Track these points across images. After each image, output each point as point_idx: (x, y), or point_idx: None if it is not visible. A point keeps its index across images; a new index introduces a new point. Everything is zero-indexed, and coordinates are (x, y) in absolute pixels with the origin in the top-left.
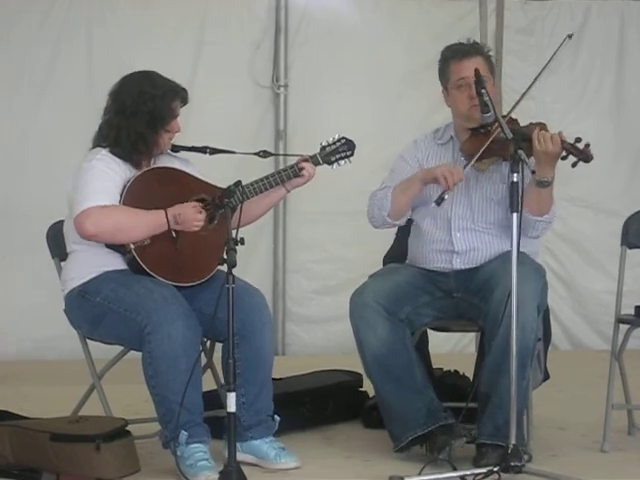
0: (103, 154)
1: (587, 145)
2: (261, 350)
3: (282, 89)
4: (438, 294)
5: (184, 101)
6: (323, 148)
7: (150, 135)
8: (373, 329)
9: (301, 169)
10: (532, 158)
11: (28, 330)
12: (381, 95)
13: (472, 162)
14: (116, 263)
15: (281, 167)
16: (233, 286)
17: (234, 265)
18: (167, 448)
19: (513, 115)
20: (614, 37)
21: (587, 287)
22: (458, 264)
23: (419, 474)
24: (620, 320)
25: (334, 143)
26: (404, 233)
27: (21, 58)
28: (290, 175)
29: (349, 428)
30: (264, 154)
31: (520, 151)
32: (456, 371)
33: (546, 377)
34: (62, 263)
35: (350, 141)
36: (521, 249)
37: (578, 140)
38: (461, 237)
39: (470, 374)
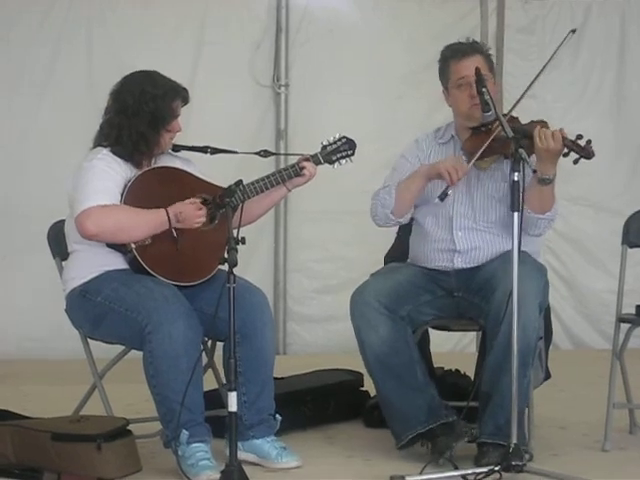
0: (104, 154)
1: (589, 142)
2: (262, 349)
3: (283, 88)
4: (439, 293)
5: (185, 101)
6: (324, 147)
7: (151, 135)
8: (374, 328)
9: (302, 168)
10: (533, 156)
11: (29, 330)
12: (381, 95)
13: (474, 159)
14: (117, 263)
15: (282, 166)
16: (234, 285)
17: (235, 264)
18: (168, 447)
19: (514, 113)
20: (615, 35)
21: (588, 286)
22: (459, 263)
23: (420, 473)
24: (621, 319)
25: (335, 142)
26: (405, 232)
27: (21, 58)
28: (291, 174)
29: (350, 427)
30: (265, 153)
31: (521, 150)
32: (457, 370)
33: (547, 376)
34: (63, 263)
35: (351, 140)
36: (522, 248)
37: (579, 137)
38: (463, 236)
39: (471, 373)
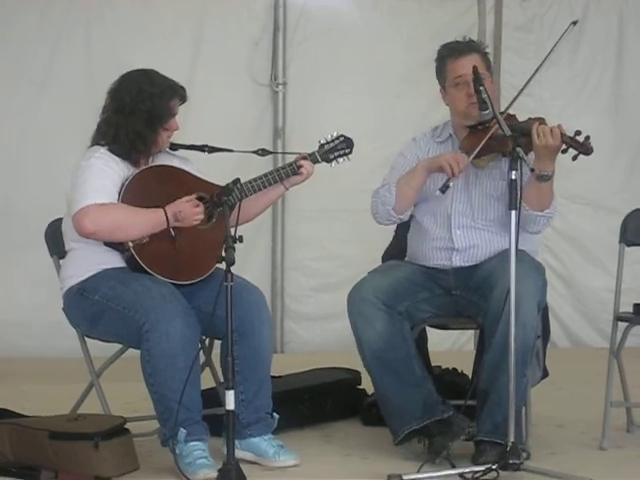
0: (101, 152)
1: (587, 138)
2: (260, 348)
3: (280, 87)
4: (437, 291)
5: (183, 99)
6: (322, 146)
7: (148, 134)
8: (371, 323)
9: (299, 167)
10: (531, 154)
11: (27, 328)
12: (380, 93)
13: (473, 155)
14: (114, 261)
15: (279, 165)
16: (232, 284)
17: (233, 263)
18: (166, 446)
19: (511, 111)
20: (613, 33)
21: (586, 284)
22: (458, 261)
23: (418, 472)
24: (619, 318)
25: (333, 141)
26: (403, 230)
27: (20, 57)
28: (289, 173)
29: (348, 426)
30: (262, 152)
31: (518, 148)
32: (455, 369)
33: (545, 374)
34: (61, 261)
35: (349, 139)
36: (520, 247)
37: (578, 133)
38: (461, 234)
39: (469, 372)
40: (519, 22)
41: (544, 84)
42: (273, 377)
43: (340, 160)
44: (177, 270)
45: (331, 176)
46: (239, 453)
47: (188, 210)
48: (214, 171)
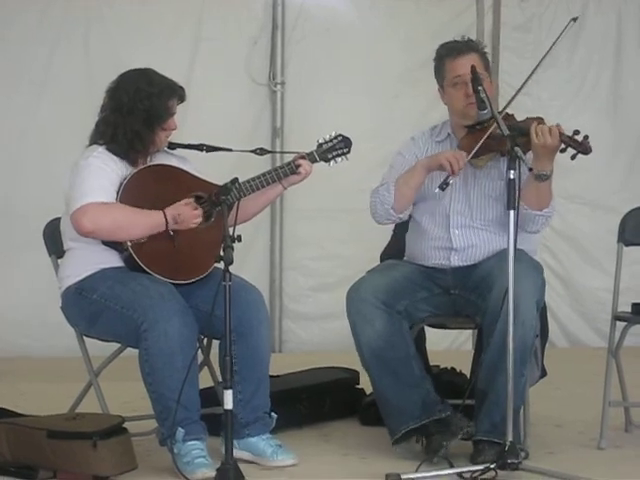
0: (100, 151)
1: (586, 137)
2: (258, 347)
3: (279, 86)
4: (436, 291)
5: (181, 99)
6: (320, 145)
7: (146, 133)
8: (370, 322)
9: (298, 166)
10: (530, 153)
11: (26, 328)
12: (378, 93)
13: (471, 154)
14: (113, 260)
15: (278, 164)
16: (230, 284)
17: (231, 262)
18: (164, 445)
19: (509, 111)
20: (611, 33)
21: (585, 284)
22: (456, 261)
23: (416, 471)
24: (617, 317)
25: (331, 140)
26: (401, 230)
27: (19, 56)
28: (287, 172)
29: (346, 425)
30: (261, 151)
31: (517, 148)
32: (453, 368)
33: (543, 374)
34: (59, 260)
35: (347, 138)
36: (519, 246)
37: (576, 132)
38: (459, 234)
39: (467, 371)
40: (517, 22)
41: (542, 84)
42: (271, 376)
43: (338, 160)
44: (175, 269)
45: (329, 176)
46: (237, 453)
47: (187, 213)
48: (212, 170)
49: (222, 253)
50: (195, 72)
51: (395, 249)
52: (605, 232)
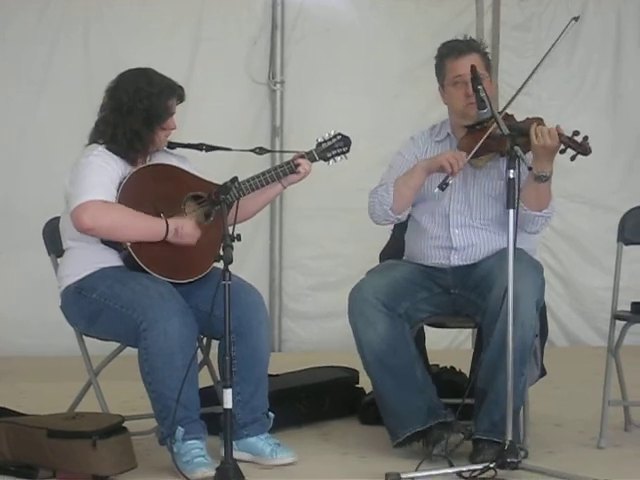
0: (100, 150)
1: (585, 138)
2: (257, 348)
3: (278, 86)
4: (436, 290)
5: (180, 99)
6: (319, 144)
7: (146, 133)
8: (373, 325)
9: (297, 165)
10: (529, 153)
11: (26, 327)
12: (378, 92)
13: (471, 154)
14: (112, 260)
15: (277, 164)
16: (229, 283)
17: (230, 261)
18: (164, 445)
19: (509, 111)
20: (611, 32)
21: (584, 284)
22: (456, 260)
23: (416, 470)
24: (616, 316)
25: (330, 139)
26: (400, 229)
27: (19, 56)
28: (286, 171)
29: (345, 424)
30: (260, 151)
31: (516, 147)
32: (452, 367)
33: (543, 373)
34: (58, 260)
35: (346, 137)
36: (518, 246)
37: (576, 133)
38: (459, 233)
39: (466, 370)
40: (517, 21)
41: (542, 84)
42: (271, 376)
43: (338, 159)
44: (175, 269)
45: (329, 175)
46: (236, 454)
47: (189, 230)
48: (212, 169)
49: (222, 252)
50: (195, 72)
51: (394, 249)
52: (605, 231)
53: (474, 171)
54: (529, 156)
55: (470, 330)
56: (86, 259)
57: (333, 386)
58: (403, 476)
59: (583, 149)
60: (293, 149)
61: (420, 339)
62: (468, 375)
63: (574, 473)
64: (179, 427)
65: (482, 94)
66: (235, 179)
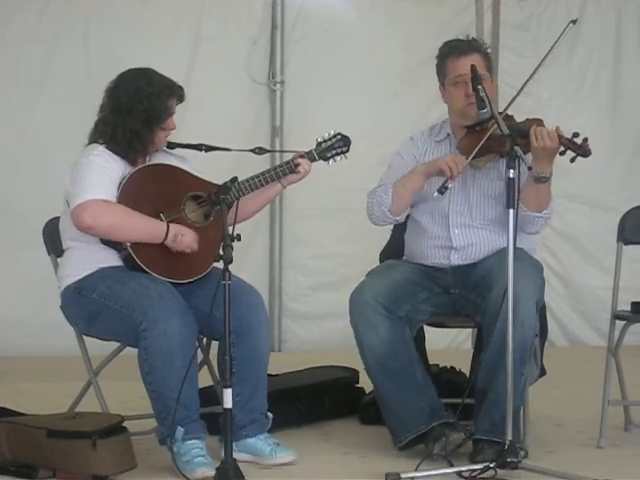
0: (100, 150)
1: (585, 140)
2: (257, 349)
3: (278, 86)
4: (436, 290)
5: (180, 99)
6: (319, 144)
7: (146, 133)
8: (374, 328)
9: (297, 165)
10: (529, 154)
11: (26, 327)
12: (378, 92)
13: (472, 155)
14: (112, 260)
15: (277, 163)
16: (229, 282)
17: (230, 261)
18: (163, 444)
19: (509, 112)
20: (611, 32)
21: (584, 284)
22: (456, 260)
23: (415, 470)
24: (616, 316)
25: (330, 139)
26: (400, 229)
27: (18, 56)
28: (286, 171)
29: (346, 424)
30: (259, 151)
31: (516, 147)
32: (452, 367)
33: (542, 373)
34: (58, 260)
35: (346, 137)
36: (518, 245)
37: (576, 135)
38: (459, 233)
39: (466, 370)
40: (517, 21)
41: (542, 84)
42: (270, 376)
43: (337, 158)
44: (174, 269)
45: (328, 174)
46: (236, 455)
47: (188, 241)
48: (212, 169)
49: (221, 252)
50: (195, 72)
51: (394, 249)
52: (605, 231)
53: (474, 172)
54: (529, 157)
55: (470, 330)
56: (86, 259)
57: (333, 386)
58: (403, 476)
59: (583, 151)
60: (293, 149)
61: (420, 339)
62: (468, 375)
63: (574, 473)
64: (179, 427)
65: (482, 94)
66: (235, 179)
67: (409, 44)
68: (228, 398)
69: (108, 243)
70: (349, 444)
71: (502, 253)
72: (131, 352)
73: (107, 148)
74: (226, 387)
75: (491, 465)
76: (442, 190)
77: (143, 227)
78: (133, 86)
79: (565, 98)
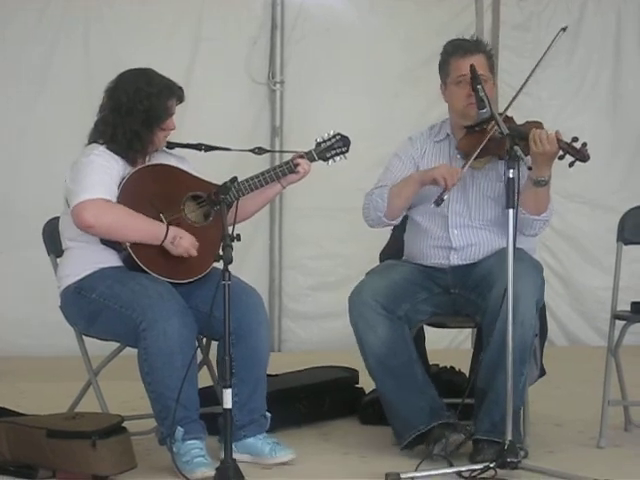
0: (101, 150)
1: (584, 144)
2: (257, 350)
3: (278, 86)
4: (436, 290)
5: (180, 99)
6: (318, 144)
7: (145, 133)
8: (373, 328)
9: (296, 165)
10: (528, 157)
11: (25, 327)
12: (378, 92)
13: (469, 162)
14: (111, 260)
15: (277, 164)
16: (229, 283)
17: (230, 261)
18: (163, 444)
19: (509, 112)
20: (611, 32)
21: (584, 283)
22: (455, 260)
23: (415, 470)
24: (616, 316)
25: (329, 139)
26: (400, 229)
27: (19, 55)
28: (285, 171)
29: (346, 424)
30: (259, 151)
31: (516, 147)
32: (452, 367)
33: (542, 373)
34: (58, 260)
35: (345, 137)
36: (518, 245)
37: (575, 139)
38: (459, 234)
39: (466, 370)
40: (516, 21)
41: (542, 84)
42: (270, 376)
43: (337, 159)
44: (174, 269)
45: (328, 175)
46: (236, 455)
47: (187, 244)
48: (211, 169)
49: (221, 252)
50: (195, 72)
51: (394, 249)
52: (604, 231)
53: (473, 172)
54: (528, 158)
55: (470, 330)
56: (85, 259)
57: (333, 386)
58: (403, 476)
59: (581, 155)
60: (293, 149)
61: (420, 339)
62: (468, 375)
63: (574, 473)
64: (179, 427)
65: (481, 94)
66: (234, 179)
67: (409, 44)
68: (228, 398)
69: (108, 243)
70: (349, 444)
71: (502, 253)
72: (131, 352)
73: (107, 148)
74: (226, 387)
75: (491, 465)
76: (438, 202)
77: (143, 228)
78: (133, 86)
79: (565, 98)
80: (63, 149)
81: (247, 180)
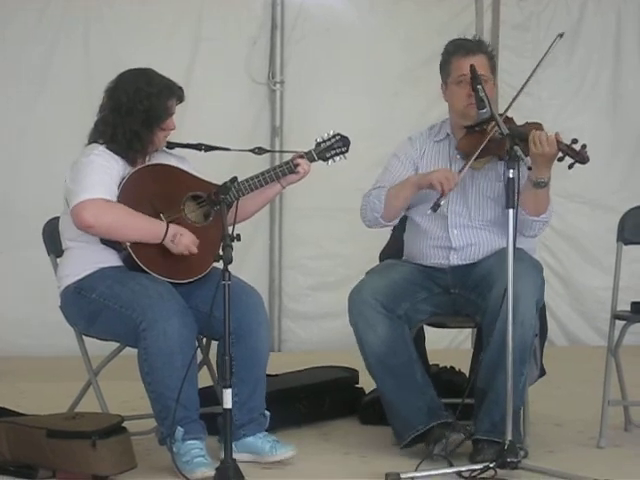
0: (101, 150)
1: (584, 146)
2: (256, 350)
3: (278, 86)
4: (436, 290)
5: (180, 99)
6: (318, 144)
7: (145, 133)
8: (372, 327)
9: (296, 165)
10: (528, 157)
11: (25, 327)
12: (378, 92)
13: (469, 164)
14: (111, 260)
15: (276, 164)
16: (229, 283)
17: (230, 261)
18: (163, 444)
19: (509, 112)
20: (611, 32)
21: (584, 283)
22: (455, 260)
23: (415, 470)
24: (616, 316)
25: (329, 139)
26: (399, 229)
27: (18, 55)
28: (285, 171)
29: (346, 424)
30: (259, 151)
31: (516, 147)
32: (452, 367)
33: (542, 373)
34: (58, 260)
35: (345, 137)
36: (518, 245)
37: (574, 141)
38: (458, 234)
39: (466, 370)
40: (516, 21)
41: (542, 83)
42: (270, 376)
43: (337, 159)
44: (174, 269)
45: (328, 175)
46: (235, 455)
47: (187, 241)
48: (211, 169)
49: (221, 252)
50: (195, 72)
51: (394, 249)
52: (604, 231)
53: (472, 172)
54: (528, 159)
55: (470, 330)
56: (85, 259)
57: (333, 386)
58: (403, 476)
59: (581, 157)
60: (293, 149)
61: (420, 339)
62: (468, 375)
63: (574, 473)
64: (179, 427)
65: (481, 94)
66: (234, 179)
67: (409, 44)
68: (228, 398)
69: (108, 243)
70: (349, 444)
71: (502, 253)
72: (131, 352)
73: (107, 148)
74: (226, 387)
75: (491, 465)
76: (435, 208)
77: (143, 226)
78: (133, 86)
79: (565, 98)
80: (63, 149)
81: (247, 180)
